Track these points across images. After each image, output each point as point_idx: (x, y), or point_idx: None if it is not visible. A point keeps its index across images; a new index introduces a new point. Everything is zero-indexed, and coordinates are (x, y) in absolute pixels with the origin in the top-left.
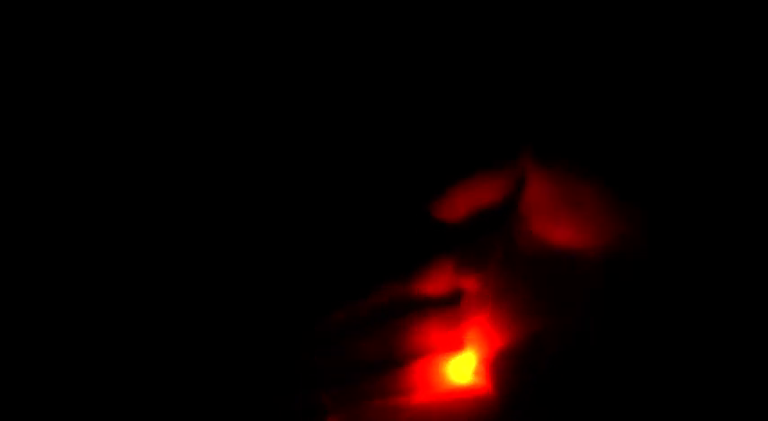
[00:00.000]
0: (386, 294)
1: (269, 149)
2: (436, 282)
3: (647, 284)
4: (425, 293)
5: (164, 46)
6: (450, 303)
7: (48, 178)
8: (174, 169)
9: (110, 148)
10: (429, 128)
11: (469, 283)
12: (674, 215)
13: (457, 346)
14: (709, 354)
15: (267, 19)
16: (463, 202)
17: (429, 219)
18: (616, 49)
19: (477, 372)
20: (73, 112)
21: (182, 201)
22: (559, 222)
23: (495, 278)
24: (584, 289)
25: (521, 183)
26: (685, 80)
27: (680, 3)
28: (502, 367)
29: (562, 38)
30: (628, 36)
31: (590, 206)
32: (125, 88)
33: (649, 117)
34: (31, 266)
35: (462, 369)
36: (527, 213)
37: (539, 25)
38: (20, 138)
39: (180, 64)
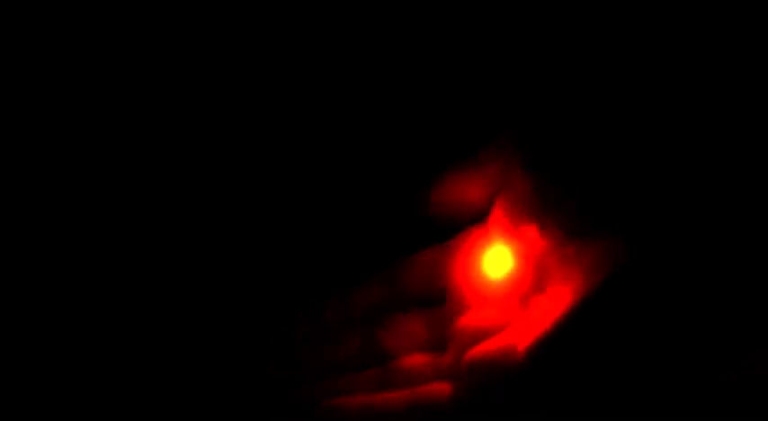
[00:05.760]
0: (371, 291)
1: (250, 143)
2: (421, 280)
3: (638, 287)
4: (410, 290)
5: (164, 46)
6: (436, 301)
7: (48, 178)
8: (159, 164)
9: (109, 148)
10: (413, 122)
11: (455, 280)
12: (665, 216)
13: (440, 343)
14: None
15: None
16: (448, 197)
17: (414, 214)
18: (606, 46)
19: (457, 370)
20: (73, 112)
21: (168, 194)
22: (544, 220)
23: (481, 274)
24: (567, 288)
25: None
26: (676, 79)
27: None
28: (480, 366)
29: (547, 34)
30: (617, 33)
31: (575, 204)
32: (125, 88)
33: (637, 114)
34: (31, 266)
35: (445, 364)
36: (511, 209)
37: (524, 21)
38: (20, 138)
39: (178, 63)
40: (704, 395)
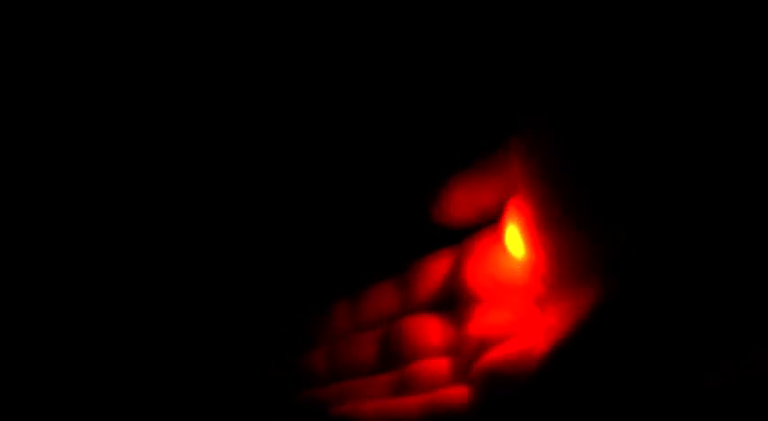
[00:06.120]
0: (384, 295)
1: (263, 144)
2: (435, 283)
3: (655, 291)
4: (424, 294)
5: (164, 46)
6: (449, 304)
7: (48, 178)
8: (164, 164)
9: (109, 148)
10: (425, 124)
11: (469, 284)
12: (673, 219)
13: (454, 348)
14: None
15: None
16: (460, 200)
17: (427, 218)
18: (616, 49)
19: (471, 374)
20: (73, 113)
21: (174, 194)
22: (557, 223)
23: (495, 277)
24: (583, 293)
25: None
26: (683, 79)
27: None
28: (494, 371)
29: (557, 36)
30: (621, 34)
31: (589, 208)
32: (125, 88)
33: (647, 118)
34: (30, 266)
35: (460, 369)
36: (524, 212)
37: (537, 24)
38: (20, 138)
39: (178, 63)
40: (704, 395)
